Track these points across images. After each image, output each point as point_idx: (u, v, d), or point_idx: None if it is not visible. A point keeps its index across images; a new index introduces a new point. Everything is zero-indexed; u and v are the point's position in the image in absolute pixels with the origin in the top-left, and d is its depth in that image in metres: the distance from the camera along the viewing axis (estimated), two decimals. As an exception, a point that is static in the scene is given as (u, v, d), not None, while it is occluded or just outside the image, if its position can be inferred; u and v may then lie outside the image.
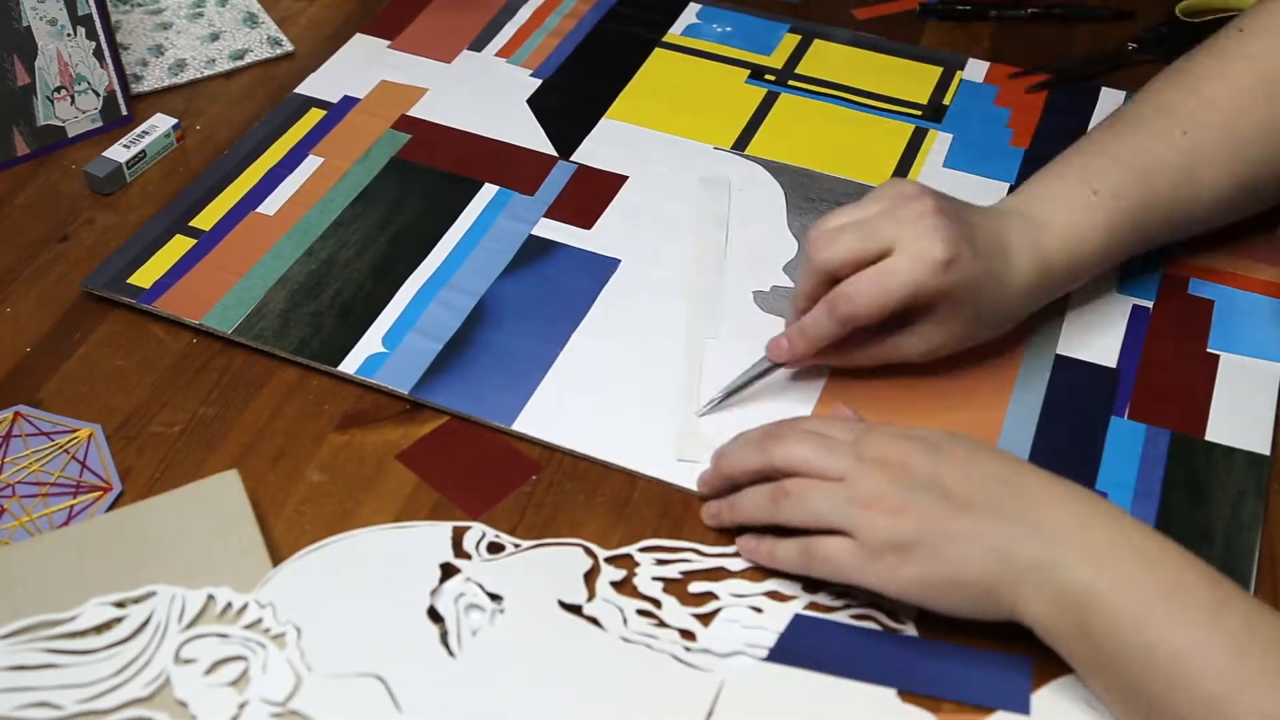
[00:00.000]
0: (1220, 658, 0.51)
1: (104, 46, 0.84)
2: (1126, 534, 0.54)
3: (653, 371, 0.70)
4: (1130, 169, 0.68)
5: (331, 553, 0.61)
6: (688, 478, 0.65)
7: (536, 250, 0.77)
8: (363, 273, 0.76)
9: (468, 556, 0.61)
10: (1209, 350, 0.72)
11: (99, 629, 0.57)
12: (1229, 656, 0.51)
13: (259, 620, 0.58)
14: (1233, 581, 0.54)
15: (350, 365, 0.70)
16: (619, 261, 0.77)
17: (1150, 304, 0.74)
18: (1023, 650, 0.59)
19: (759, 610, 0.60)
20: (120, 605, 0.58)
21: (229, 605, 0.58)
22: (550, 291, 0.75)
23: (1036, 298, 0.68)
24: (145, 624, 0.57)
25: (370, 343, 0.72)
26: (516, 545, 0.62)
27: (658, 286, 0.75)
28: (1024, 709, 0.56)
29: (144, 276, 0.75)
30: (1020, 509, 0.55)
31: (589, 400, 0.69)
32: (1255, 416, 0.68)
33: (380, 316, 0.73)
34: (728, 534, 0.64)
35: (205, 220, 0.79)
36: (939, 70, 0.91)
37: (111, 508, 0.64)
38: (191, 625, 0.57)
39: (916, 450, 0.57)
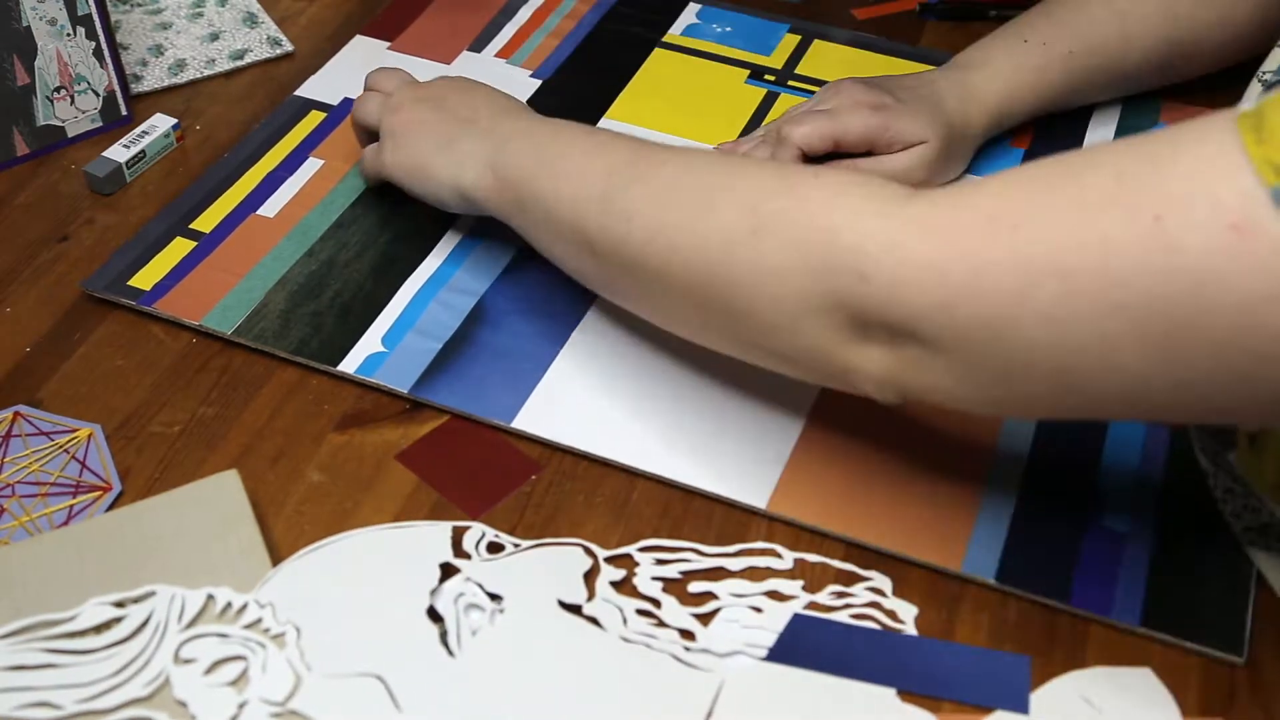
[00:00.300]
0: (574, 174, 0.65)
1: (104, 46, 0.84)
2: (536, 133, 0.69)
3: (652, 372, 0.70)
4: (1062, 22, 0.80)
5: (331, 553, 0.61)
6: (688, 475, 0.66)
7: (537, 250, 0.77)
8: (363, 273, 0.76)
9: (467, 556, 0.61)
10: (1209, 350, 0.72)
11: (98, 629, 0.57)
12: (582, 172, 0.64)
13: (259, 620, 0.58)
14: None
15: (350, 365, 0.70)
16: (619, 261, 0.77)
17: (1150, 304, 0.74)
18: (1021, 650, 0.59)
19: (759, 610, 0.60)
20: (120, 605, 0.58)
21: (229, 605, 0.58)
22: (550, 291, 0.75)
23: (968, 129, 0.79)
24: (145, 624, 0.57)
25: (370, 342, 0.72)
26: (516, 545, 0.62)
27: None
28: (1023, 708, 0.56)
29: (144, 279, 0.75)
30: (486, 121, 0.71)
31: (588, 398, 0.69)
32: (1255, 416, 0.68)
33: (380, 316, 0.73)
34: (727, 535, 0.64)
35: (205, 223, 0.79)
36: (939, 70, 0.91)
37: (111, 508, 0.64)
38: (191, 625, 0.57)
39: (448, 80, 0.77)
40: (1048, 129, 0.86)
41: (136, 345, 0.72)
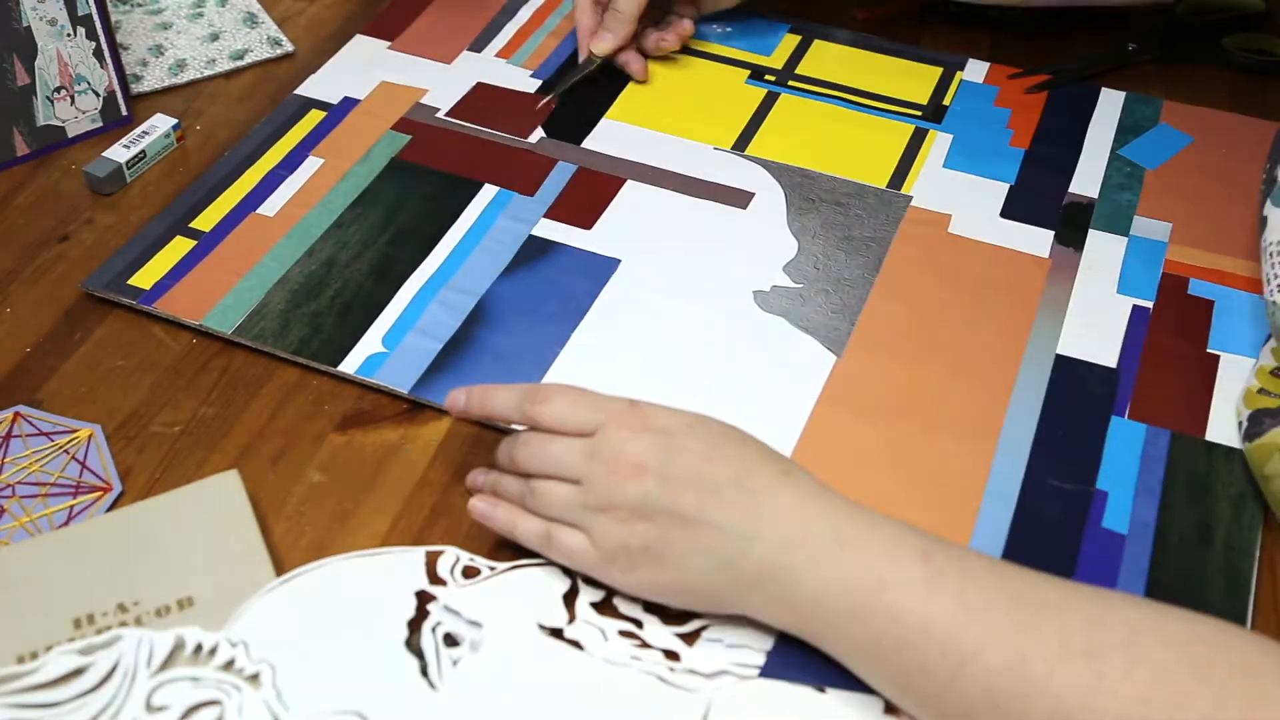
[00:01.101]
0: (941, 634, 0.51)
1: (104, 46, 0.84)
2: (844, 531, 0.55)
3: (652, 371, 0.70)
4: None
5: (302, 584, 0.59)
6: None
7: (536, 250, 0.77)
8: (363, 273, 0.76)
9: (443, 582, 0.60)
10: (1209, 350, 0.72)
11: (66, 678, 0.55)
12: (950, 630, 0.51)
13: (231, 661, 0.56)
14: (952, 546, 0.54)
15: (350, 365, 0.70)
16: (619, 261, 0.77)
17: (1150, 304, 0.74)
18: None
19: (742, 628, 0.58)
20: (85, 653, 0.55)
21: (199, 646, 0.56)
22: (550, 291, 0.75)
23: None
24: (113, 671, 0.55)
25: (370, 343, 0.72)
26: (492, 568, 0.61)
27: (658, 286, 0.75)
28: None
29: (144, 278, 0.75)
30: (748, 516, 0.55)
31: (589, 400, 0.69)
32: (1255, 416, 0.69)
33: (380, 317, 0.73)
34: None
35: (205, 222, 0.79)
36: (939, 71, 0.91)
37: (111, 508, 0.64)
38: (162, 669, 0.55)
39: (652, 450, 0.57)
40: (1046, 129, 0.86)
41: (136, 345, 0.72)
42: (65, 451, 0.66)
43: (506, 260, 0.77)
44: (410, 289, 0.75)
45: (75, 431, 0.67)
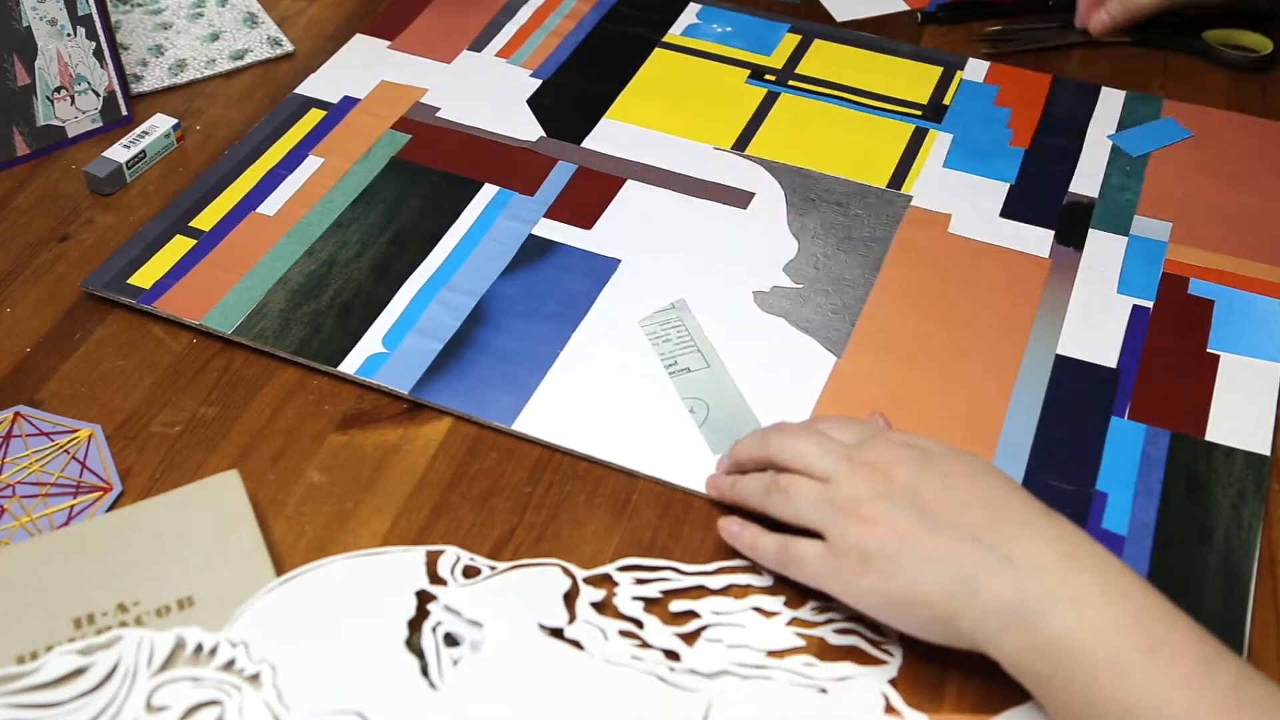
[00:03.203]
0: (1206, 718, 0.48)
1: (104, 46, 0.84)
2: (1113, 579, 0.51)
3: (652, 371, 0.70)
4: None
5: (302, 584, 0.59)
6: (687, 477, 0.66)
7: (536, 250, 0.77)
8: (363, 273, 0.76)
9: (443, 582, 0.60)
10: (1209, 350, 0.72)
11: (66, 678, 0.55)
12: (1216, 718, 0.48)
13: (232, 661, 0.56)
14: (1219, 640, 0.51)
15: (350, 365, 0.70)
16: (619, 261, 0.77)
17: (1150, 304, 0.74)
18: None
19: (742, 628, 0.59)
20: (85, 653, 0.55)
21: (199, 646, 0.56)
22: (550, 291, 0.75)
23: None
24: (113, 671, 0.55)
25: (370, 343, 0.72)
26: (493, 568, 0.61)
27: (658, 286, 0.75)
28: None
29: (144, 277, 0.75)
30: (1000, 538, 0.52)
31: (589, 400, 0.69)
32: (1255, 416, 0.68)
33: (380, 317, 0.73)
34: (710, 549, 0.64)
35: (205, 221, 0.79)
36: (939, 70, 0.91)
37: (111, 508, 0.64)
38: (162, 669, 0.55)
39: (907, 459, 0.56)
40: (1047, 129, 0.86)
41: (136, 345, 0.72)
42: (65, 451, 0.66)
43: (506, 260, 0.77)
44: (410, 289, 0.75)
45: (75, 431, 0.67)
